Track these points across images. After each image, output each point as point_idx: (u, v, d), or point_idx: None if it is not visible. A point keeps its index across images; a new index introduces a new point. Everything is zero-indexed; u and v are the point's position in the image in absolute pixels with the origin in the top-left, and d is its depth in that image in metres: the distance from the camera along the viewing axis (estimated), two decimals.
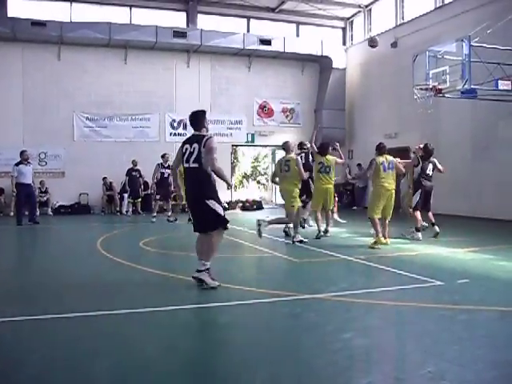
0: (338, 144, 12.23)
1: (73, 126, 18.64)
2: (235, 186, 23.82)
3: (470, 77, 11.61)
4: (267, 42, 19.89)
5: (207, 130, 6.42)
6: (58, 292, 6.12)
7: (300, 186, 10.25)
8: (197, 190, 6.21)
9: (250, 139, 20.96)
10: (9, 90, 17.88)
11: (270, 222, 10.13)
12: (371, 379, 3.61)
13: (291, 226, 10.56)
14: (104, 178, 18.16)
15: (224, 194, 20.61)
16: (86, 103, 18.63)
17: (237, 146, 22.39)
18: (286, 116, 21.37)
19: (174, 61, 19.75)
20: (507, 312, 5.25)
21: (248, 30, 20.73)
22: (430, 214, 10.86)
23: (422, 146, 10.98)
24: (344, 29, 22.17)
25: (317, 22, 21.67)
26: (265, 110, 21.05)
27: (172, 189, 14.52)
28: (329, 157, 11.10)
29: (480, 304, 5.48)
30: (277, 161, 11.35)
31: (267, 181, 25.38)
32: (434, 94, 12.34)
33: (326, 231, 11.05)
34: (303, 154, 11.89)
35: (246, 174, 28.10)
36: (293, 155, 10.33)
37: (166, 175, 14.81)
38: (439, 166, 10.88)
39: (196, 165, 6.07)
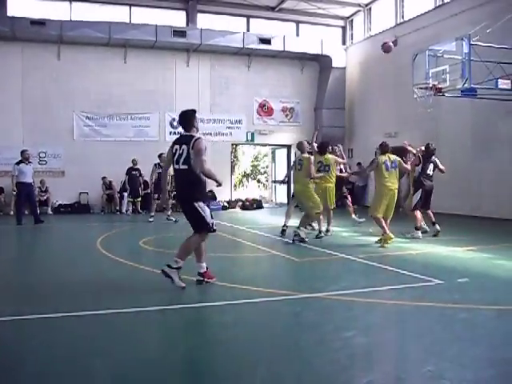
0: (340, 146, 12.29)
1: (72, 125, 18.63)
2: (235, 185, 23.85)
3: (469, 76, 11.62)
4: (267, 41, 19.88)
5: (197, 130, 6.35)
6: (57, 291, 6.13)
7: (313, 184, 10.33)
8: (185, 192, 6.22)
9: (249, 138, 20.95)
10: (8, 90, 17.86)
11: (300, 228, 10.21)
12: (372, 378, 3.62)
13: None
14: (103, 178, 18.15)
15: (224, 194, 20.74)
16: (85, 102, 18.61)
17: (237, 144, 22.42)
18: (286, 115, 21.36)
19: (174, 60, 19.73)
20: (507, 311, 5.26)
21: (248, 29, 20.71)
22: (430, 213, 10.87)
23: (423, 147, 11.01)
24: (344, 28, 22.15)
25: (317, 20, 21.65)
26: (264, 109, 21.04)
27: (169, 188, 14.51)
28: (328, 156, 11.12)
29: (480, 303, 5.49)
30: (292, 161, 11.70)
31: (267, 180, 25.44)
32: (434, 93, 12.35)
33: (327, 230, 11.05)
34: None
35: (245, 172, 28.15)
36: (306, 154, 10.44)
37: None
38: (441, 166, 10.89)
39: (185, 166, 6.04)
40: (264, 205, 21.04)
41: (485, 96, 12.67)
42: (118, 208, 18.21)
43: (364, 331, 4.66)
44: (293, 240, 9.98)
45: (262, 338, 4.55)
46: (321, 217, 11.00)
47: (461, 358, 3.96)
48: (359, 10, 21.14)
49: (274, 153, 23.45)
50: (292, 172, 10.89)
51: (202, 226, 6.18)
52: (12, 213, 16.42)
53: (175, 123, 19.68)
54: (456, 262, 8.05)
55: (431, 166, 10.78)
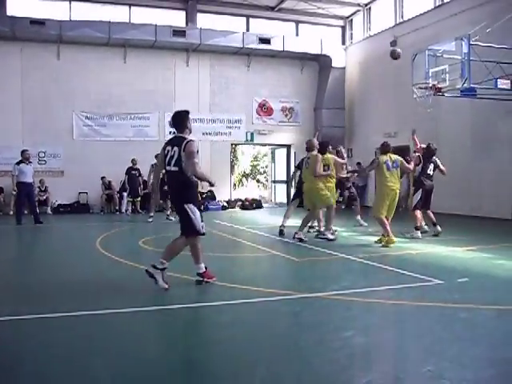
0: (342, 147, 12.33)
1: (72, 125, 18.63)
2: (234, 185, 23.84)
3: (469, 76, 11.62)
4: (266, 41, 19.88)
5: (190, 132, 6.30)
6: (57, 291, 6.12)
7: (321, 184, 10.33)
8: (176, 194, 6.22)
9: (249, 138, 20.95)
10: (8, 89, 17.85)
11: (301, 229, 10.42)
12: (371, 378, 3.62)
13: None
14: (102, 178, 18.15)
15: (223, 194, 20.72)
16: (85, 102, 18.61)
17: (236, 144, 22.41)
18: (286, 115, 21.36)
19: (174, 60, 19.74)
20: (506, 310, 5.25)
21: (247, 29, 20.71)
22: (431, 213, 10.87)
23: (423, 145, 11.03)
24: (343, 27, 22.15)
25: (316, 20, 21.65)
26: (264, 109, 21.04)
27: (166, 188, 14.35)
28: (327, 156, 11.11)
29: (480, 302, 5.48)
30: (300, 160, 11.87)
31: (266, 180, 25.44)
32: (434, 93, 12.35)
33: (328, 230, 10.99)
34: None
35: (245, 172, 28.15)
36: (314, 152, 10.50)
37: (161, 175, 14.76)
38: (442, 167, 10.90)
39: (176, 168, 6.01)
40: (263, 205, 21.04)
41: (484, 96, 12.68)
42: (117, 208, 18.21)
43: (363, 331, 4.65)
44: (293, 237, 10.13)
45: (261, 337, 4.54)
46: (320, 217, 11.00)
47: (461, 358, 3.96)
48: (359, 10, 21.15)
49: (273, 153, 23.45)
50: (301, 171, 11.04)
51: (189, 229, 6.12)
52: (12, 213, 16.42)
53: None
54: (456, 261, 8.04)
55: (431, 166, 10.79)
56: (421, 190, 10.68)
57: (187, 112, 6.40)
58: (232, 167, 22.14)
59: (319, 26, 21.83)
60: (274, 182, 23.45)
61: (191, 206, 6.05)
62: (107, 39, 18.29)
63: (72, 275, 7.17)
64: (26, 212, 14.48)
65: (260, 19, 21.09)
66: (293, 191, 21.09)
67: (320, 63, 21.51)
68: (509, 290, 6.21)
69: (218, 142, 20.29)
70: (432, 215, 10.87)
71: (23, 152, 14.10)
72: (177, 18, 19.90)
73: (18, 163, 13.90)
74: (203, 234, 6.22)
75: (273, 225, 13.95)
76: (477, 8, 14.67)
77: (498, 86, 12.13)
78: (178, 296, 5.94)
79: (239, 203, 20.34)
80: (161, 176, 7.37)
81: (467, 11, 15.07)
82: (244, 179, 28.25)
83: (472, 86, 11.93)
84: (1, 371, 3.77)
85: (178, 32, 18.84)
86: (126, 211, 17.88)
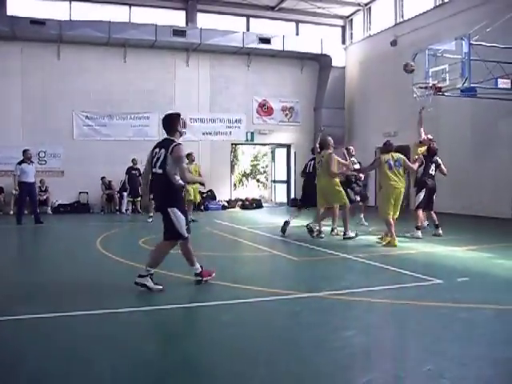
0: (351, 146, 12.37)
1: (72, 124, 18.63)
2: (234, 185, 23.83)
3: (469, 75, 11.61)
4: (267, 41, 19.87)
5: (181, 135, 6.25)
6: (57, 291, 6.12)
7: (337, 180, 10.52)
8: (159, 197, 6.16)
9: (249, 138, 20.95)
10: (8, 89, 17.85)
11: (319, 226, 10.70)
12: (371, 377, 3.62)
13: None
14: (103, 178, 18.15)
15: (224, 193, 20.72)
16: (85, 102, 18.61)
17: (236, 144, 22.39)
18: (286, 114, 21.36)
19: (174, 59, 19.73)
20: (506, 310, 5.25)
21: (247, 29, 20.70)
22: (434, 214, 10.87)
23: (431, 137, 11.07)
24: (343, 27, 22.15)
25: (316, 20, 21.65)
26: (264, 109, 21.04)
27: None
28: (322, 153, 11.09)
29: (479, 302, 5.49)
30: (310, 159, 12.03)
31: (266, 179, 25.44)
32: (434, 93, 12.34)
33: (332, 229, 11.01)
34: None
35: (245, 172, 28.14)
36: (329, 151, 10.58)
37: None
38: (443, 167, 10.92)
39: (160, 171, 5.94)
40: (264, 204, 21.05)
41: (484, 95, 12.67)
42: (117, 208, 18.21)
43: (364, 330, 4.66)
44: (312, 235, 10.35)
45: (261, 337, 4.54)
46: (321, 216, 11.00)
47: (461, 357, 3.96)
48: (359, 10, 21.14)
49: (273, 152, 23.45)
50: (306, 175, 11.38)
51: (171, 234, 6.05)
52: (12, 212, 16.43)
53: None
54: (456, 261, 8.05)
55: (433, 166, 10.79)
56: (424, 190, 10.68)
57: (178, 115, 6.35)
58: (232, 167, 22.13)
59: (319, 25, 21.83)
60: (274, 181, 23.44)
61: (174, 209, 5.95)
62: (107, 39, 18.29)
63: (72, 275, 7.17)
64: (26, 212, 14.47)
65: (260, 19, 21.08)
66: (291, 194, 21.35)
67: (320, 63, 21.51)
68: (509, 290, 6.21)
69: (218, 141, 20.29)
70: (435, 216, 10.87)
71: (25, 151, 14.09)
72: (177, 18, 19.89)
73: (20, 163, 13.89)
74: (186, 239, 6.11)
75: (273, 224, 13.95)
76: (477, 7, 14.67)
77: (499, 86, 12.12)
78: (178, 296, 5.95)
79: (239, 203, 20.35)
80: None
81: (467, 11, 15.07)
82: (244, 179, 28.23)
83: (472, 85, 11.92)
84: (2, 371, 3.77)
85: (178, 32, 18.84)
86: (127, 211, 17.89)
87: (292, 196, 21.42)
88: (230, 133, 20.58)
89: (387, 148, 9.83)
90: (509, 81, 12.15)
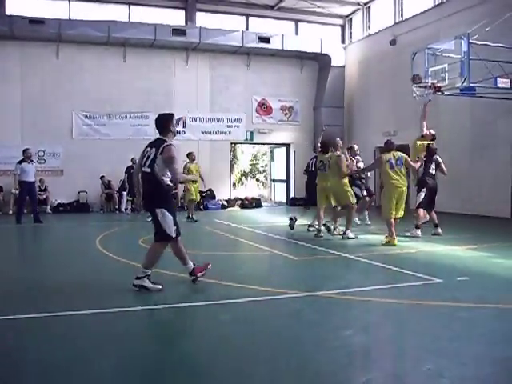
0: (355, 145, 12.42)
1: (71, 124, 18.60)
2: (234, 184, 23.84)
3: (468, 74, 11.61)
4: (266, 40, 19.85)
5: (174, 135, 6.20)
6: (56, 290, 6.12)
7: (346, 180, 10.66)
8: (148, 197, 6.09)
9: (248, 137, 20.93)
10: (7, 89, 17.83)
11: (319, 225, 10.84)
12: (370, 376, 3.63)
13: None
14: (102, 177, 18.14)
15: (223, 193, 20.72)
16: (84, 101, 18.59)
17: (236, 143, 22.39)
18: (285, 114, 21.35)
19: (173, 59, 19.71)
20: (506, 309, 5.26)
21: (247, 28, 20.69)
22: (434, 214, 10.87)
23: (433, 132, 11.09)
24: (343, 26, 22.14)
25: (316, 19, 21.63)
26: (263, 108, 21.03)
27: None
28: (330, 155, 11.11)
29: (479, 301, 5.49)
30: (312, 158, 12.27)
31: (266, 178, 25.45)
32: (433, 92, 12.34)
33: (334, 229, 11.01)
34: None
35: (244, 171, 28.16)
36: (337, 153, 10.70)
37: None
38: (443, 166, 10.92)
39: (148, 170, 5.89)
40: (263, 204, 21.05)
41: (484, 95, 12.66)
42: (117, 207, 18.21)
43: (363, 330, 4.66)
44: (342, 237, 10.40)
45: (261, 336, 4.55)
46: (321, 215, 11.03)
47: (460, 356, 3.96)
48: (358, 9, 21.13)
49: (272, 152, 23.46)
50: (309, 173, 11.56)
51: (160, 235, 6.00)
52: (11, 212, 16.42)
53: (174, 122, 19.67)
54: (455, 260, 8.05)
55: (433, 165, 10.79)
56: (424, 190, 10.68)
57: (171, 115, 6.31)
58: (231, 166, 22.13)
59: (319, 24, 21.81)
60: (274, 180, 23.45)
61: (162, 210, 5.90)
62: (107, 38, 18.27)
63: (71, 274, 7.17)
64: (25, 211, 14.46)
65: (259, 18, 21.07)
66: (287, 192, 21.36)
67: (319, 62, 21.50)
68: (508, 289, 6.22)
69: (218, 141, 20.28)
70: (435, 216, 10.88)
71: (25, 151, 14.07)
72: (176, 17, 19.87)
73: (20, 162, 13.87)
74: (173, 239, 6.05)
75: (272, 223, 13.98)
76: (476, 7, 14.67)
77: (498, 85, 12.11)
78: (177, 295, 5.96)
79: (239, 202, 20.34)
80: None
81: (466, 10, 15.07)
82: (243, 178, 28.26)
83: (471, 84, 11.91)
84: (1, 371, 3.77)
85: (178, 31, 18.82)
86: (126, 210, 17.88)
87: (291, 195, 21.42)
88: (230, 132, 20.56)
89: (388, 147, 9.81)
90: (508, 80, 12.14)
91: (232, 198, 20.60)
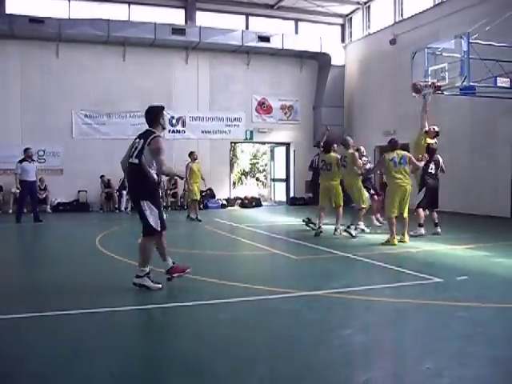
0: (361, 147, 12.48)
1: (71, 123, 18.60)
2: (234, 184, 23.85)
3: (468, 74, 11.61)
4: (266, 39, 19.85)
5: (163, 128, 6.17)
6: (56, 289, 6.12)
7: (360, 179, 10.83)
8: (133, 188, 6.08)
9: (248, 136, 20.93)
10: (7, 88, 17.83)
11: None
12: (370, 375, 3.63)
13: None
14: (102, 176, 18.14)
15: (223, 192, 20.71)
16: (84, 100, 18.59)
17: (235, 143, 22.39)
18: (285, 113, 21.35)
19: (173, 58, 19.70)
20: (506, 308, 5.26)
21: (247, 27, 20.68)
22: (435, 213, 10.86)
23: (436, 128, 11.09)
24: (343, 26, 22.13)
25: (315, 18, 21.63)
26: (263, 107, 21.03)
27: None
28: (331, 154, 11.15)
29: (479, 301, 5.50)
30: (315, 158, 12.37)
31: (266, 178, 25.45)
32: (433, 91, 12.34)
33: (335, 229, 11.02)
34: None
35: (244, 170, 28.18)
36: (350, 150, 10.84)
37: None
38: (442, 166, 10.92)
39: (136, 161, 5.86)
40: (263, 203, 21.05)
41: (484, 94, 12.66)
42: (116, 206, 18.22)
43: (363, 329, 4.66)
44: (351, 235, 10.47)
45: (260, 335, 4.54)
46: (322, 215, 11.07)
47: (460, 356, 3.96)
48: (358, 8, 21.12)
49: (272, 151, 23.45)
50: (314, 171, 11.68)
51: (146, 228, 5.98)
52: (11, 211, 16.42)
53: (174, 121, 19.72)
54: (455, 260, 8.06)
55: (432, 165, 10.78)
56: (424, 189, 10.68)
57: (161, 108, 6.27)
58: (231, 165, 22.13)
59: (318, 24, 21.80)
60: (274, 180, 23.45)
61: (148, 203, 5.86)
62: (106, 37, 18.27)
63: (71, 274, 7.17)
64: (25, 211, 14.46)
65: (259, 17, 21.06)
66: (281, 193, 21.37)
67: (319, 61, 21.49)
68: (508, 288, 6.22)
69: (218, 140, 20.27)
70: (436, 215, 10.87)
71: (26, 150, 14.07)
72: (176, 16, 19.87)
73: (21, 161, 13.87)
74: (159, 232, 6.01)
75: (272, 223, 13.98)
76: (476, 6, 14.66)
77: (498, 84, 12.12)
78: (176, 294, 5.96)
79: (238, 201, 20.34)
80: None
81: (467, 9, 15.06)
82: (243, 177, 28.28)
83: (471, 84, 11.91)
84: (1, 371, 3.77)
85: (178, 30, 18.81)
86: (126, 209, 17.87)
87: (291, 194, 21.42)
88: (230, 131, 20.56)
89: (392, 146, 9.76)
90: (508, 79, 12.15)
91: (232, 197, 20.61)
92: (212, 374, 3.69)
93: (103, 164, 18.13)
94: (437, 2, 17.05)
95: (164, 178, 18.15)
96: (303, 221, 11.84)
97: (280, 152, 22.64)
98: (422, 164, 10.35)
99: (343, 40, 22.01)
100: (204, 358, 3.97)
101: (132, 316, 5.19)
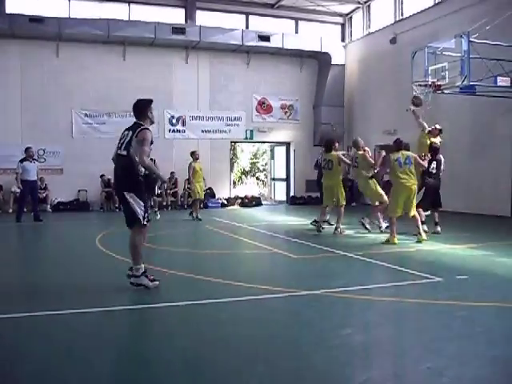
0: (367, 149, 12.55)
1: (71, 122, 18.60)
2: (234, 183, 23.84)
3: (469, 73, 11.61)
4: (266, 39, 19.84)
5: (152, 122, 6.09)
6: (56, 289, 6.13)
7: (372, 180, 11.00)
8: (118, 180, 6.00)
9: (248, 136, 20.93)
10: (7, 87, 17.83)
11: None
12: (370, 375, 3.62)
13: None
14: (102, 176, 18.13)
15: (223, 191, 20.70)
16: (84, 100, 18.58)
17: (236, 142, 22.39)
18: (285, 112, 21.35)
19: (173, 57, 19.69)
20: (506, 308, 5.26)
21: (247, 27, 20.67)
22: (436, 212, 10.85)
23: (439, 126, 11.09)
24: (343, 25, 22.12)
25: (316, 18, 21.62)
26: (263, 107, 21.02)
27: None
28: (332, 153, 11.22)
29: (479, 300, 5.49)
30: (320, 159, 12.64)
31: (266, 177, 25.46)
32: (433, 91, 12.34)
33: (336, 229, 11.03)
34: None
35: (244, 170, 28.18)
36: (361, 151, 11.05)
37: (147, 172, 14.63)
38: (442, 165, 10.92)
39: (124, 152, 5.82)
40: (263, 202, 21.05)
41: (484, 93, 12.66)
42: (117, 205, 18.17)
43: (362, 328, 4.66)
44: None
45: (260, 335, 4.54)
46: (325, 212, 11.21)
47: (460, 356, 3.96)
48: (358, 7, 21.12)
49: (272, 150, 23.45)
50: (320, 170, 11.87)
51: (133, 221, 5.91)
52: (11, 210, 16.42)
53: (174, 120, 19.72)
54: (455, 259, 8.05)
55: (433, 165, 10.76)
56: (424, 189, 10.68)
57: (149, 101, 6.19)
58: (231, 165, 22.12)
59: (319, 23, 21.80)
60: (274, 179, 23.45)
61: (132, 195, 5.79)
62: (106, 37, 18.25)
63: (71, 273, 7.18)
64: (25, 210, 14.46)
65: (259, 16, 21.05)
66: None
67: (319, 61, 21.49)
68: (508, 288, 6.21)
69: (218, 139, 20.27)
70: (436, 215, 10.86)
71: (27, 149, 14.05)
72: (176, 16, 19.86)
73: (22, 161, 13.85)
74: (144, 226, 5.97)
75: (272, 222, 13.98)
76: (476, 5, 14.65)
77: (498, 84, 12.12)
78: (176, 294, 5.95)
79: (239, 201, 20.33)
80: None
81: (467, 8, 15.05)
82: (243, 177, 28.28)
83: (471, 83, 11.91)
84: (1, 370, 3.77)
85: (178, 29, 18.80)
86: None
87: (291, 194, 21.42)
88: (230, 131, 20.55)
89: (398, 146, 9.77)
90: (508, 79, 12.15)
91: (232, 196, 20.61)
92: (211, 373, 3.69)
93: (103, 163, 17.95)
94: (437, 2, 17.04)
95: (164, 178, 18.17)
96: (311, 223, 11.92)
97: (280, 151, 22.64)
98: (426, 164, 10.35)
99: (343, 39, 22.00)
100: (203, 358, 3.97)
101: (132, 316, 5.19)
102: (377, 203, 11.10)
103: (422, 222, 10.51)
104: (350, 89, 21.40)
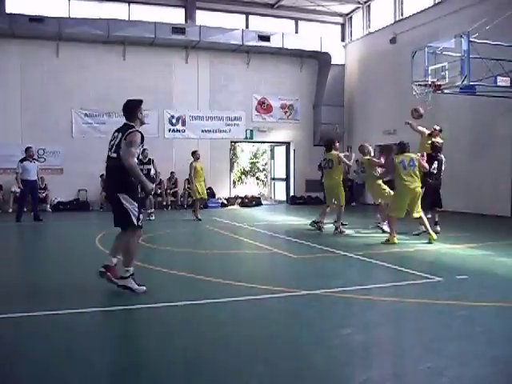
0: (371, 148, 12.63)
1: (71, 122, 18.61)
2: (234, 183, 23.83)
3: (468, 73, 11.61)
4: (266, 38, 19.85)
5: (142, 123, 5.98)
6: (55, 289, 6.12)
7: (381, 180, 11.09)
8: (111, 182, 5.96)
9: (248, 135, 20.93)
10: (7, 87, 17.84)
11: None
12: (370, 375, 3.62)
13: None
14: (102, 175, 18.10)
15: (223, 191, 20.70)
16: (84, 100, 18.59)
17: (235, 142, 22.38)
18: (285, 112, 21.35)
19: (173, 57, 19.70)
20: (506, 308, 5.26)
21: (247, 26, 20.68)
22: (435, 212, 10.86)
23: (437, 127, 11.09)
24: (343, 25, 22.12)
25: (315, 18, 21.63)
26: (263, 106, 21.02)
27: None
28: (333, 153, 11.26)
29: (479, 300, 5.49)
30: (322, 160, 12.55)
31: (266, 177, 25.46)
32: (433, 90, 12.34)
33: (335, 228, 11.04)
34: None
35: (244, 170, 28.18)
36: (367, 157, 11.21)
37: (145, 171, 14.64)
38: (442, 166, 10.92)
39: (114, 155, 5.79)
40: (263, 202, 21.06)
41: (484, 93, 12.67)
42: None
43: (362, 328, 4.66)
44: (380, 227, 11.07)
45: (259, 335, 4.54)
46: (325, 212, 11.22)
47: (460, 356, 3.96)
48: (358, 7, 21.12)
49: (272, 150, 23.46)
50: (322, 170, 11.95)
51: (126, 222, 5.78)
52: (11, 210, 16.43)
53: (174, 120, 19.72)
54: (455, 259, 8.05)
55: (434, 165, 10.75)
56: (424, 189, 10.67)
57: (139, 101, 6.06)
58: (231, 165, 22.13)
59: (318, 23, 21.81)
60: (274, 179, 23.46)
61: (125, 196, 5.70)
62: (106, 37, 18.26)
63: (71, 273, 7.18)
64: (25, 210, 14.46)
65: (259, 16, 21.06)
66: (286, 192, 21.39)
67: (319, 60, 21.49)
68: (508, 288, 6.21)
69: (218, 139, 20.27)
70: (436, 214, 10.87)
71: (27, 149, 14.05)
72: (176, 16, 19.87)
73: (22, 160, 13.85)
74: (139, 227, 5.89)
75: (272, 222, 13.98)
76: (476, 5, 14.65)
77: (498, 84, 12.12)
78: (175, 294, 5.94)
79: (238, 200, 20.34)
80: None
81: (467, 8, 15.05)
82: (243, 176, 28.28)
83: (471, 83, 11.91)
84: (1, 370, 3.77)
85: (178, 29, 18.81)
86: None
87: (291, 194, 21.42)
88: (230, 130, 20.56)
89: (402, 148, 9.75)
90: (508, 79, 12.15)
91: (232, 196, 20.61)
92: (211, 373, 3.69)
93: (103, 163, 17.63)
94: (437, 1, 17.04)
95: (164, 178, 18.19)
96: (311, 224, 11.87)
97: (280, 151, 22.64)
98: (427, 165, 10.34)
99: (343, 39, 22.01)
100: (203, 358, 3.97)
101: (132, 316, 5.18)
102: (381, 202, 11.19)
103: (436, 223, 10.55)
104: (349, 89, 21.41)
